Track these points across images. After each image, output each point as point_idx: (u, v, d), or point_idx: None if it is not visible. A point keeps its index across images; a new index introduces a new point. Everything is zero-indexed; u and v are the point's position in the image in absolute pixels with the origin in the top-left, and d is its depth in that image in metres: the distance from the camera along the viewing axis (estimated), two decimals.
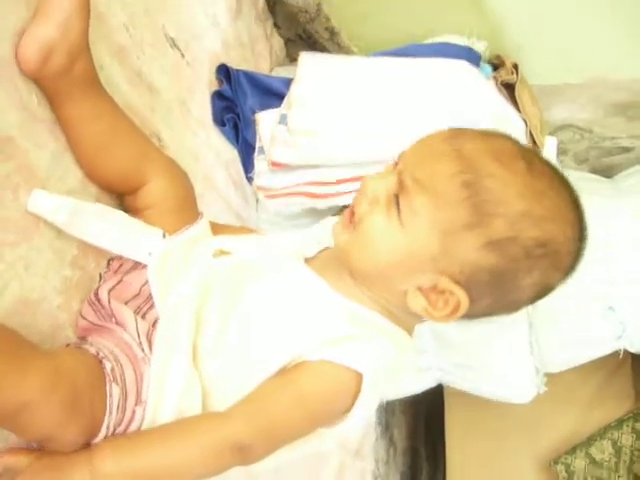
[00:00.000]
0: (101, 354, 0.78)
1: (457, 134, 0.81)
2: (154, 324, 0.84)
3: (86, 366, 0.75)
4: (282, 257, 0.90)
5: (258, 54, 1.49)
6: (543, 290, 0.81)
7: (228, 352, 0.83)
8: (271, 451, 0.80)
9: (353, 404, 0.80)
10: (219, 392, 0.82)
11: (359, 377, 0.78)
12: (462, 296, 0.77)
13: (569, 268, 0.80)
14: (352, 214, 0.82)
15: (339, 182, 1.20)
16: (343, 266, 0.85)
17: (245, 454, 0.77)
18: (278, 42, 1.61)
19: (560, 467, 1.71)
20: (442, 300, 0.79)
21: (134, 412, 0.78)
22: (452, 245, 0.76)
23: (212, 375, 0.82)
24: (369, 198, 0.80)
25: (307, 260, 0.90)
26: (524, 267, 0.76)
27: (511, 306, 0.82)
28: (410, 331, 0.87)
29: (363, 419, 0.83)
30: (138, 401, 0.78)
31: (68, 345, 0.81)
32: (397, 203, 0.78)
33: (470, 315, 0.81)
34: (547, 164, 0.81)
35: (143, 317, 0.85)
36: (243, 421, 0.78)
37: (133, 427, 0.78)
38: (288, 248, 0.92)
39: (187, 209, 0.95)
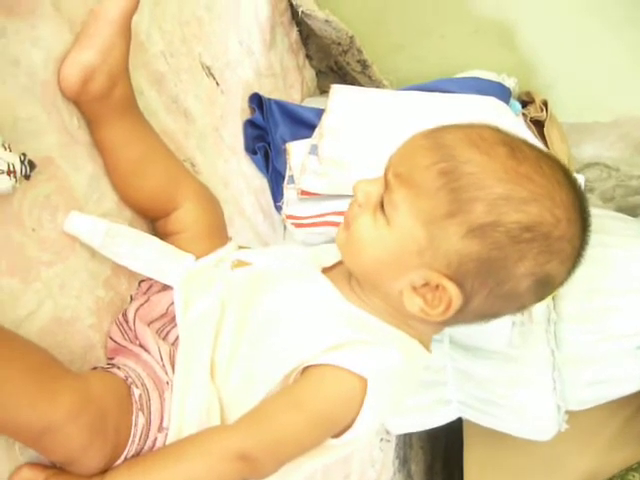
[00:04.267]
0: (129, 379, 0.78)
1: (438, 128, 0.80)
2: (174, 342, 0.85)
3: (115, 392, 0.76)
4: (299, 266, 0.90)
5: (290, 85, 1.51)
6: (543, 280, 0.77)
7: (242, 364, 0.83)
8: (279, 462, 0.78)
9: (359, 411, 0.78)
10: (236, 407, 0.81)
11: (364, 382, 0.77)
12: (452, 289, 0.75)
13: (569, 255, 0.77)
14: (347, 219, 0.84)
15: None
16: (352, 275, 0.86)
17: (251, 465, 0.75)
18: (310, 73, 1.62)
19: None
20: (437, 298, 0.77)
21: (155, 439, 0.78)
22: (436, 236, 0.74)
23: (228, 390, 0.82)
24: (359, 201, 0.81)
25: (324, 269, 0.90)
26: (512, 254, 0.74)
27: (511, 300, 0.79)
28: (426, 343, 0.86)
29: (371, 429, 0.82)
30: (160, 428, 0.79)
31: (95, 368, 0.82)
32: (382, 202, 0.79)
33: (473, 312, 0.79)
34: (535, 149, 0.78)
35: (165, 337, 0.86)
36: (246, 431, 0.77)
37: None
38: (307, 258, 0.92)
39: (217, 235, 0.97)
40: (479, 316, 0.82)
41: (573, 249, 0.77)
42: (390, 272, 0.79)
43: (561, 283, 0.80)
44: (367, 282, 0.83)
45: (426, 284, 0.77)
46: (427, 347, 0.86)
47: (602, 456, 1.73)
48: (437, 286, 0.76)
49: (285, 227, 1.34)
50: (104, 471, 0.75)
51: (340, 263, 0.91)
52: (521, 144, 0.77)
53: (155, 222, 0.95)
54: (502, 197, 0.72)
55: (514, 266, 0.74)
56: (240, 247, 0.99)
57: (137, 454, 0.77)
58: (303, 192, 1.24)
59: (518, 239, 0.73)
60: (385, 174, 0.80)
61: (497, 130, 0.78)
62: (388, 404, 0.82)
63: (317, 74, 1.66)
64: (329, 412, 0.78)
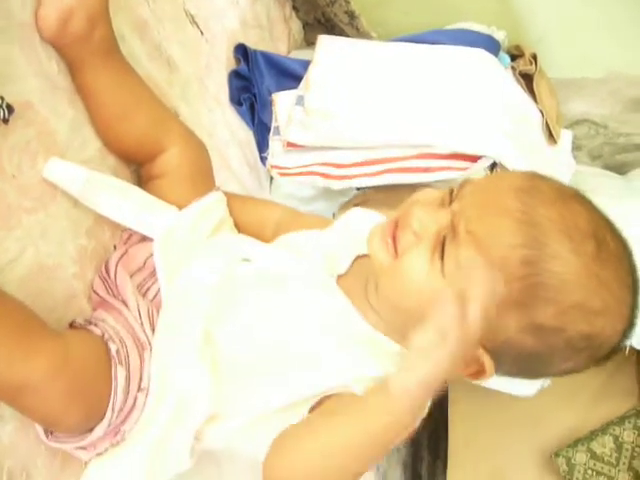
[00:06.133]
0: (106, 335, 0.78)
1: (529, 189, 0.71)
2: (153, 299, 0.84)
3: (93, 350, 0.76)
4: (312, 273, 0.84)
5: (276, 37, 1.49)
6: (572, 372, 0.75)
7: (250, 355, 0.79)
8: None
9: None
10: (230, 385, 0.78)
11: None
12: (488, 364, 0.71)
13: (604, 358, 0.74)
14: (394, 237, 0.75)
15: (354, 165, 1.20)
16: (373, 281, 0.79)
17: None
18: (296, 25, 1.60)
19: (561, 460, 1.71)
20: (468, 359, 0.71)
21: (136, 398, 0.78)
22: (491, 314, 0.66)
23: (226, 366, 0.79)
24: (416, 230, 0.73)
25: (339, 277, 0.83)
26: (560, 356, 0.71)
27: (534, 376, 0.79)
28: None
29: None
30: (140, 387, 0.78)
31: (72, 325, 0.81)
32: (443, 248, 0.71)
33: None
34: (618, 241, 0.72)
35: (145, 293, 0.85)
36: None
37: (134, 415, 0.78)
38: (319, 261, 0.85)
39: (202, 179, 0.95)
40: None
41: (610, 353, 0.73)
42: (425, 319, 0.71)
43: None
44: (392, 311, 0.76)
45: None
46: None
47: (584, 411, 1.75)
48: None
49: (271, 180, 1.33)
50: (89, 430, 0.75)
51: (355, 265, 0.84)
52: (607, 233, 0.71)
53: (141, 167, 0.94)
54: (576, 305, 0.68)
55: (556, 363, 0.72)
56: (226, 193, 0.97)
57: (120, 410, 0.76)
58: (289, 144, 1.23)
59: (573, 345, 0.70)
60: (453, 215, 0.72)
61: (591, 211, 0.72)
62: None
63: (304, 27, 1.63)
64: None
